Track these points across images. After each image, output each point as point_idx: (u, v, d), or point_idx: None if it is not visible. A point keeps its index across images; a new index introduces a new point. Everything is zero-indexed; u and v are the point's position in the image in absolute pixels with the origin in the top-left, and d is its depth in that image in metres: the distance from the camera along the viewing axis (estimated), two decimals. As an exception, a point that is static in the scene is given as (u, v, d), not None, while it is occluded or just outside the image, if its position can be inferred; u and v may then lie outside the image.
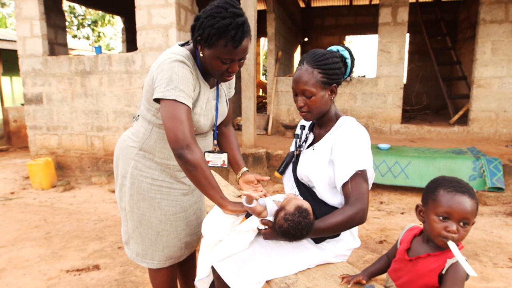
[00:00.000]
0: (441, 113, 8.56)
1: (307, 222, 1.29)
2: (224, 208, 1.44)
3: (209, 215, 1.56)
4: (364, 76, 7.83)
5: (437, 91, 8.90)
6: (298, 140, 1.65)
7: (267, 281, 1.41)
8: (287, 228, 1.28)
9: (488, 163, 4.21)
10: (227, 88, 1.74)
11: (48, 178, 5.19)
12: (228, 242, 1.42)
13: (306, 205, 1.35)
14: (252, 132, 5.04)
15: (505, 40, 5.60)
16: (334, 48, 1.54)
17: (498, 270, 2.64)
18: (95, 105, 5.43)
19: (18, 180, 5.57)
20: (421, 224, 1.27)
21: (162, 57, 1.42)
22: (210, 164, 1.66)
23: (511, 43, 5.58)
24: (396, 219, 3.75)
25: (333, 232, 1.39)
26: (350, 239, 1.56)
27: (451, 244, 1.12)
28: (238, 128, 6.83)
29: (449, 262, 1.14)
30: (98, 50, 5.50)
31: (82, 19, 16.23)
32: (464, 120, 6.23)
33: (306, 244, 1.47)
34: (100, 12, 15.54)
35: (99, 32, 16.91)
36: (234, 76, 1.64)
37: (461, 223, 1.12)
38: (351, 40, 19.68)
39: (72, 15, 15.71)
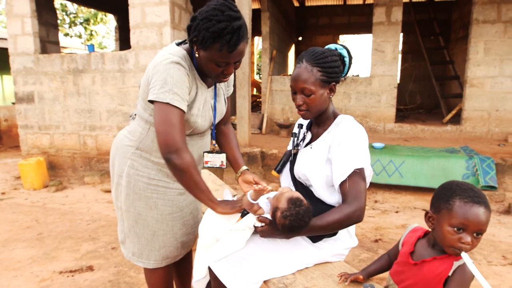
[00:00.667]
0: (433, 112, 8.61)
1: (304, 208, 1.29)
2: (214, 210, 1.46)
3: (206, 216, 1.54)
4: (358, 75, 7.85)
5: (430, 90, 8.96)
6: (295, 138, 1.64)
7: (264, 281, 1.39)
8: (290, 224, 1.27)
9: (481, 162, 4.24)
10: (225, 87, 1.72)
11: (39, 178, 5.12)
12: (224, 242, 1.40)
13: (296, 194, 1.34)
14: (246, 131, 5.03)
15: (497, 40, 5.65)
16: (332, 46, 1.53)
17: (492, 268, 2.66)
18: (88, 104, 5.37)
19: (9, 180, 5.49)
20: (431, 229, 1.24)
21: (159, 57, 1.40)
22: (208, 165, 1.65)
23: (503, 43, 5.64)
24: (390, 218, 3.76)
25: (331, 230, 1.39)
26: (347, 238, 1.55)
27: (465, 256, 1.09)
28: (233, 127, 6.81)
29: (455, 264, 1.13)
30: (91, 48, 5.43)
31: (74, 17, 16.05)
32: (457, 119, 6.28)
33: (303, 243, 1.47)
34: (93, 10, 15.38)
35: (91, 31, 16.74)
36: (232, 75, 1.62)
37: (475, 234, 1.10)
38: (344, 40, 19.74)
39: (64, 13, 15.53)
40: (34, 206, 4.35)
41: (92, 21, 16.13)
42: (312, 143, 1.53)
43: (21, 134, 5.76)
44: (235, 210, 1.45)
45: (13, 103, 7.74)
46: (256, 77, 14.14)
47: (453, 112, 6.41)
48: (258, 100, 9.39)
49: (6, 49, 5.99)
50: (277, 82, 6.71)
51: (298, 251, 1.45)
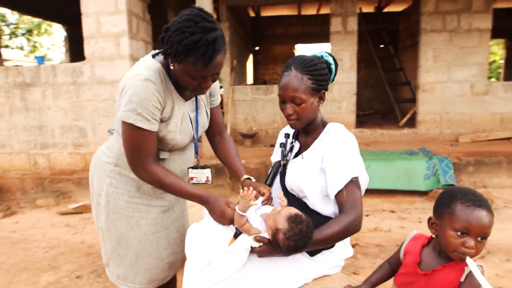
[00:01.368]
0: (387, 117, 9.03)
1: (306, 224, 1.23)
2: (206, 208, 1.43)
3: (190, 235, 1.43)
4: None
5: (383, 96, 9.40)
6: (283, 149, 1.58)
7: (265, 303, 1.31)
8: (295, 244, 1.21)
9: (440, 162, 4.47)
10: (207, 98, 1.63)
11: (-16, 204, 4.61)
12: (218, 264, 1.30)
13: (292, 210, 1.28)
14: (213, 143, 4.90)
15: (444, 48, 6.05)
16: (318, 53, 1.51)
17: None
18: (39, 120, 4.96)
19: None
20: (435, 235, 1.23)
21: (130, 71, 1.36)
22: (194, 181, 1.57)
23: (449, 51, 6.05)
24: (363, 222, 3.81)
25: (331, 242, 1.35)
26: (343, 248, 1.52)
27: (469, 262, 1.08)
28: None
29: (467, 270, 1.12)
30: (41, 60, 5.05)
31: (15, 27, 14.98)
32: (412, 123, 6.60)
33: (301, 258, 1.40)
34: (36, 20, 14.46)
35: (35, 42, 15.71)
36: (216, 83, 1.54)
37: (479, 238, 1.09)
38: (298, 49, 20.23)
39: (3, 24, 14.44)
40: (-21, 236, 3.89)
41: (35, 32, 15.15)
42: (303, 153, 1.48)
43: (-40, 156, 5.19)
44: (227, 221, 1.38)
45: None
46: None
47: (408, 116, 6.75)
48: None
49: None
50: (239, 92, 6.68)
51: (297, 267, 1.38)
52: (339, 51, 6.27)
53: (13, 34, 14.95)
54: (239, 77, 7.96)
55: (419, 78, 6.20)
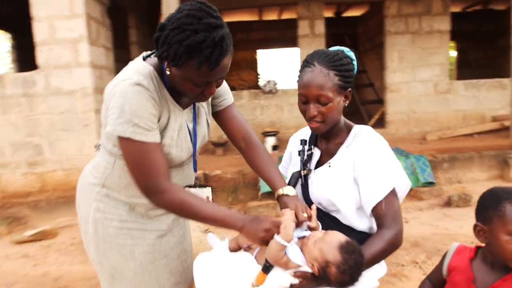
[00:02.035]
0: (353, 118, 9.17)
1: (359, 252, 1.05)
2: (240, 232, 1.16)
3: (200, 267, 1.19)
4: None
5: (347, 98, 9.56)
6: (302, 157, 1.38)
7: None
8: (351, 278, 1.02)
9: (417, 161, 4.51)
10: (208, 105, 1.40)
11: None
12: None
13: (340, 236, 1.09)
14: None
15: (408, 49, 6.22)
16: (335, 48, 1.34)
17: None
18: (-16, 138, 4.39)
19: None
20: (484, 243, 1.09)
21: (118, 76, 1.18)
22: None
23: (413, 52, 6.23)
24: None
25: (376, 263, 1.18)
26: (377, 266, 1.34)
27: None
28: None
29: None
30: (-17, 70, 4.48)
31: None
32: (381, 123, 6.71)
33: None
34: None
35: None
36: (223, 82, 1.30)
37: None
38: (260, 54, 20.27)
39: None
40: None
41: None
42: (330, 161, 1.30)
43: None
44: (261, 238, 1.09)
45: None
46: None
47: (376, 116, 6.86)
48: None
49: None
50: (208, 99, 6.41)
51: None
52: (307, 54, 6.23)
53: None
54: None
55: (386, 79, 6.32)
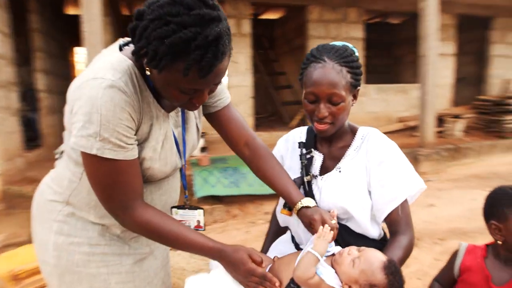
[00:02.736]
0: (271, 119, 9.41)
1: (400, 272, 0.96)
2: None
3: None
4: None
5: (266, 99, 9.76)
6: (304, 162, 1.26)
7: None
8: None
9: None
10: (198, 112, 1.18)
11: None
12: None
13: (380, 254, 0.98)
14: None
15: (327, 53, 6.58)
16: (338, 43, 1.25)
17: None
18: None
19: None
20: (501, 241, 1.11)
21: (86, 71, 0.92)
22: None
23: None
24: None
25: (398, 273, 1.10)
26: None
27: None
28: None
29: None
30: None
31: None
32: (303, 124, 6.96)
33: None
34: None
35: None
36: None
37: None
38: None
39: None
40: None
41: None
42: (339, 166, 1.20)
43: None
44: (252, 279, 0.97)
45: None
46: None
47: (298, 117, 7.10)
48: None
49: None
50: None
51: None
52: (235, 53, 6.12)
53: None
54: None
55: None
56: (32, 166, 4.82)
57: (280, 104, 7.84)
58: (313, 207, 1.09)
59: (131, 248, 1.08)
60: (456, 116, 6.56)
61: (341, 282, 0.94)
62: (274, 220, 1.47)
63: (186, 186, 1.21)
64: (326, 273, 0.94)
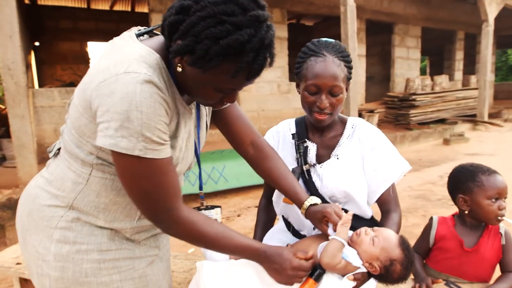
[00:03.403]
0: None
1: (410, 246, 1.06)
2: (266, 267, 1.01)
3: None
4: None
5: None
6: (300, 152, 1.32)
7: None
8: (408, 272, 1.03)
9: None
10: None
11: None
12: None
13: (392, 232, 1.07)
14: (33, 164, 3.67)
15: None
16: (330, 40, 1.33)
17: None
18: None
19: None
20: (467, 211, 1.30)
21: (109, 65, 0.82)
22: None
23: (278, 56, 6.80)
24: (240, 223, 3.77)
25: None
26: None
27: (510, 221, 1.23)
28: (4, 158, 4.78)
29: (501, 231, 1.27)
30: None
31: None
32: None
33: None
34: None
35: None
36: None
37: (504, 199, 1.24)
38: (91, 47, 17.90)
39: None
40: None
41: None
42: (336, 153, 1.28)
43: None
44: (298, 276, 0.99)
45: None
46: None
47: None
48: None
49: None
50: (42, 97, 5.26)
51: None
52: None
53: None
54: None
55: (239, 79, 6.69)
56: None
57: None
58: (320, 203, 1.14)
59: (141, 251, 1.02)
60: (371, 111, 7.30)
61: (362, 261, 1.01)
62: (262, 212, 1.51)
63: (202, 186, 1.17)
64: (351, 255, 1.00)
